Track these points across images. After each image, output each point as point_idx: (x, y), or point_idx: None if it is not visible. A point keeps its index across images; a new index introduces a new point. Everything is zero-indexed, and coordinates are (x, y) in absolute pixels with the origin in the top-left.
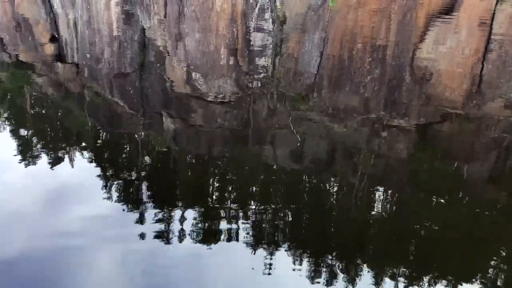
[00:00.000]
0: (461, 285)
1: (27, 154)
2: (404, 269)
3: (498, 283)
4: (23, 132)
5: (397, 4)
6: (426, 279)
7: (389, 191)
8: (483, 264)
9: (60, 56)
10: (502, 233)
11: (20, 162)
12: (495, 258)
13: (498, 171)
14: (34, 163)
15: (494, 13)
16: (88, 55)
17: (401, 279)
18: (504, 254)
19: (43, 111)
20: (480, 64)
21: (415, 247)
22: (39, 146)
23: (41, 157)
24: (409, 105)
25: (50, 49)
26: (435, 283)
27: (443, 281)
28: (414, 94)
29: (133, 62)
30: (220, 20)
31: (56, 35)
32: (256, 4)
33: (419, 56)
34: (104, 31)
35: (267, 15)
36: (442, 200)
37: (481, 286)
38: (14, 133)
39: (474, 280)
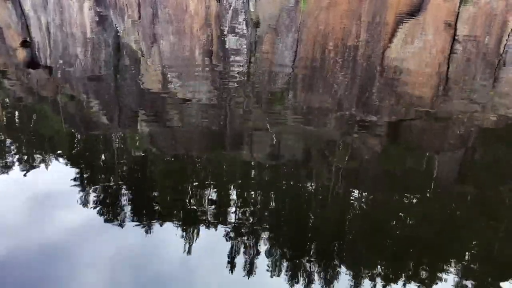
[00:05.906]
0: (435, 281)
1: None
2: (381, 265)
3: (472, 276)
4: None
5: (367, 5)
6: (401, 274)
7: (363, 187)
8: (456, 256)
9: (32, 60)
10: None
11: None
12: (466, 250)
13: (465, 165)
14: (8, 170)
15: (458, 14)
16: (61, 59)
17: (378, 275)
18: (473, 245)
19: (16, 117)
20: (446, 63)
21: (390, 243)
22: (12, 152)
23: (14, 163)
24: (381, 103)
25: (22, 53)
26: (410, 279)
27: (418, 276)
28: (385, 93)
29: (108, 65)
30: (194, 23)
31: (28, 39)
32: (230, 7)
33: (389, 56)
34: (78, 35)
35: (241, 17)
36: (414, 195)
37: (456, 278)
38: None
39: (448, 274)
